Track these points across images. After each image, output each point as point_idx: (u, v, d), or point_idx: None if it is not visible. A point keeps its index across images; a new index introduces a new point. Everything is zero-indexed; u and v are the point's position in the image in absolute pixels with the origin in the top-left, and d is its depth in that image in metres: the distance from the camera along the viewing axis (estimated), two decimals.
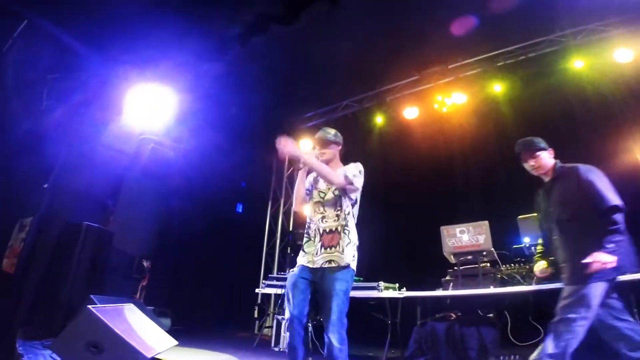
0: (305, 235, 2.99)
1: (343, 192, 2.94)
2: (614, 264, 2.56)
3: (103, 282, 4.99)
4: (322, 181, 3.06)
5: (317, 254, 2.83)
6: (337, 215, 2.90)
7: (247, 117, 7.30)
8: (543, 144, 3.07)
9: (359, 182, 2.96)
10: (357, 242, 2.92)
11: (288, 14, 5.83)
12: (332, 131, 3.15)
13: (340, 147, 3.16)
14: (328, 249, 2.81)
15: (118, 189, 6.01)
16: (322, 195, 3.01)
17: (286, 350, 2.79)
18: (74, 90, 5.85)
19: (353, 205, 2.99)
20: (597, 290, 2.61)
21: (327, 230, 2.87)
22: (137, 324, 3.71)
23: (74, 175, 5.44)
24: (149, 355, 3.39)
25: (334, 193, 2.97)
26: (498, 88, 6.96)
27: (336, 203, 2.95)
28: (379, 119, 8.08)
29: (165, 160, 6.83)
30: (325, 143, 3.07)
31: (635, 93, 6.12)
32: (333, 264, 2.77)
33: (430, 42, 6.64)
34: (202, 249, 7.46)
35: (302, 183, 3.06)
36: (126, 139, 6.42)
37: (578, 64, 6.40)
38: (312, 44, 6.50)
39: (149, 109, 6.19)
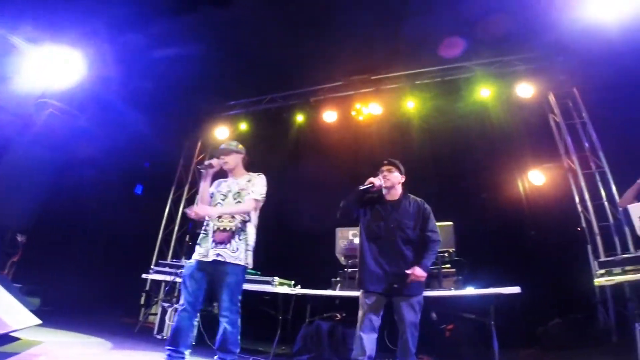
0: (202, 231, 3.26)
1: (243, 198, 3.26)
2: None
3: None
4: (224, 184, 3.38)
5: (210, 248, 3.12)
6: (233, 217, 3.20)
7: (163, 96, 6.93)
8: (402, 169, 3.59)
9: (264, 195, 3.33)
10: (252, 245, 3.25)
11: None
12: (234, 142, 3.53)
13: (242, 156, 3.48)
14: (220, 245, 3.11)
15: (1, 155, 5.42)
16: (222, 197, 3.31)
17: (170, 332, 3.07)
18: None
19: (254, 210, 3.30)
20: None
21: (222, 228, 3.16)
22: None
23: None
24: (1, 332, 3.23)
25: (233, 197, 3.27)
26: (411, 105, 7.34)
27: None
28: (300, 118, 8.18)
29: (63, 128, 6.29)
30: (227, 152, 3.39)
31: (529, 128, 6.75)
32: (220, 258, 3.07)
33: (357, 52, 6.84)
34: (91, 228, 6.93)
35: (207, 187, 3.32)
36: (21, 101, 5.84)
37: (484, 93, 6.91)
38: (243, 32, 6.39)
39: (53, 72, 5.70)
